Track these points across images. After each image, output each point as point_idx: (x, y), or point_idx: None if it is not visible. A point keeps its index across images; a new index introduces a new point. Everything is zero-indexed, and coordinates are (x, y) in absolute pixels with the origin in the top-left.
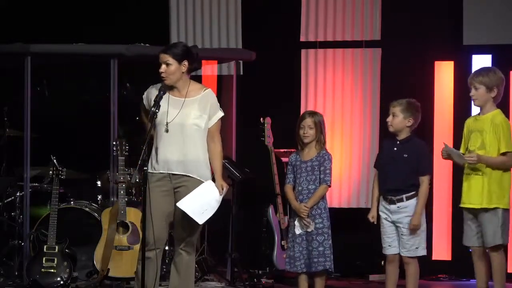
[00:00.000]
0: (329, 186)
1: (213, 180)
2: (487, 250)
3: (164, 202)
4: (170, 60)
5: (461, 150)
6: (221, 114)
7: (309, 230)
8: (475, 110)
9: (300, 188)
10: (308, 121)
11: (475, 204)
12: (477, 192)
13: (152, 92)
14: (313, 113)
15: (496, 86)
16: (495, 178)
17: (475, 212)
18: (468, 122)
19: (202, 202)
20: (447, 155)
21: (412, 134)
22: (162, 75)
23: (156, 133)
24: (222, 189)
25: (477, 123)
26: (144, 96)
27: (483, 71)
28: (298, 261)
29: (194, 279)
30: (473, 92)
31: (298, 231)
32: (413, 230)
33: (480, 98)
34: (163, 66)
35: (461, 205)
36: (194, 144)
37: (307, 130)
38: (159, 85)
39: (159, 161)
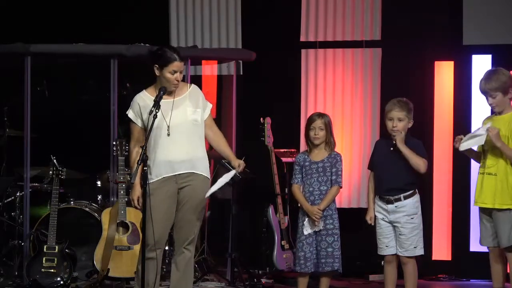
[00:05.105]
0: (341, 187)
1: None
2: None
3: (167, 203)
4: (183, 68)
5: (477, 150)
6: (210, 105)
7: (317, 229)
8: (475, 110)
9: (311, 189)
10: (318, 122)
11: (488, 204)
12: (489, 192)
13: (139, 102)
14: (322, 115)
15: (509, 86)
16: (508, 179)
17: (489, 211)
18: (486, 122)
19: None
20: (464, 149)
21: (408, 133)
22: (177, 83)
23: (154, 138)
24: (239, 166)
25: (494, 124)
26: (132, 114)
27: (492, 76)
28: (308, 261)
29: (193, 278)
30: (491, 101)
31: (306, 231)
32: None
33: (500, 105)
34: (179, 75)
35: (475, 204)
36: (195, 140)
37: (318, 132)
38: (139, 96)
39: (161, 165)
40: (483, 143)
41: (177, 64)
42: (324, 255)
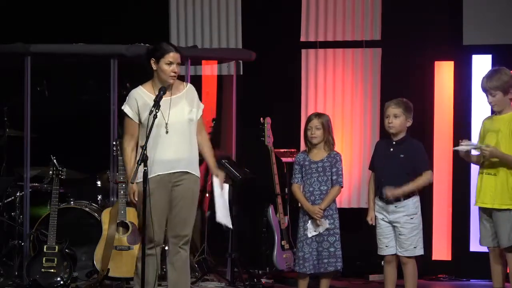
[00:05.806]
0: (342, 186)
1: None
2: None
3: (161, 202)
4: (180, 60)
5: (476, 153)
6: (203, 105)
7: (321, 231)
8: (475, 110)
9: (311, 189)
10: (315, 122)
11: (487, 204)
12: (489, 192)
13: (136, 98)
14: (319, 115)
15: (510, 86)
16: (507, 179)
17: (489, 211)
18: (485, 122)
19: (225, 204)
20: (464, 153)
21: (407, 134)
22: (175, 75)
23: (151, 135)
24: (217, 176)
25: (494, 123)
26: (128, 110)
27: (494, 75)
28: (307, 261)
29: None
30: (490, 99)
31: (310, 234)
32: (389, 194)
33: (499, 104)
34: (175, 67)
35: (475, 204)
36: (190, 139)
37: (315, 131)
38: (136, 92)
39: (158, 163)
40: (475, 143)
41: (173, 55)
42: (327, 255)
